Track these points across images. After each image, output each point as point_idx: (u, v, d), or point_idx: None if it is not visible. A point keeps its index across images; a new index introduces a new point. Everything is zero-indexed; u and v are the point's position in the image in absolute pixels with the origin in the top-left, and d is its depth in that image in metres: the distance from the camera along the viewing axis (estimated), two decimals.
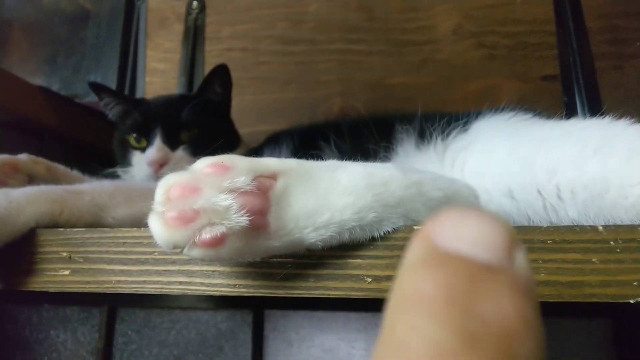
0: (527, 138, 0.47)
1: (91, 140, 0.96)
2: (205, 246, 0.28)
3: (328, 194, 0.33)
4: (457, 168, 0.51)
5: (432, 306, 0.14)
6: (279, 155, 0.71)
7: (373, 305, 0.92)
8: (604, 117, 0.44)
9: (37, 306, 1.09)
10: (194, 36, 1.19)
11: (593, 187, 0.38)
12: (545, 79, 1.00)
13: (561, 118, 0.52)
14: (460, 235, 0.16)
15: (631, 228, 0.32)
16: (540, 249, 0.32)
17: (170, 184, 0.29)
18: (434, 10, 1.09)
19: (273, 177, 0.32)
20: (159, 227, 0.29)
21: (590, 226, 0.32)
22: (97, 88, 0.84)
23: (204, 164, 0.30)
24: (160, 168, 0.76)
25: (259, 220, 0.30)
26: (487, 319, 0.14)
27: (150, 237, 0.38)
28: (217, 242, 0.29)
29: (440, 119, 0.55)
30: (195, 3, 1.21)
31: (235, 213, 0.29)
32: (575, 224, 0.33)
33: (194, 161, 0.79)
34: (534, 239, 0.33)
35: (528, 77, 1.01)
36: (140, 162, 0.78)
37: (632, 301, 0.31)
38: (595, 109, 0.93)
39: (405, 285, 0.15)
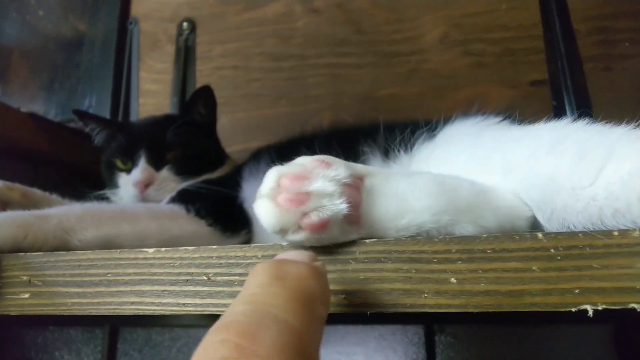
0: (487, 141, 0.47)
1: (84, 163, 0.97)
2: (312, 229, 0.32)
3: (407, 196, 0.36)
4: None
5: (259, 269, 0.26)
6: (257, 171, 0.72)
7: (371, 318, 0.92)
8: (586, 120, 0.43)
9: (42, 328, 1.11)
10: (185, 56, 1.21)
11: (545, 189, 0.37)
12: (533, 84, 1.00)
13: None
14: (285, 255, 0.30)
15: (571, 235, 0.31)
16: (480, 258, 0.32)
17: (281, 173, 0.33)
18: (420, 20, 1.09)
19: (361, 178, 0.36)
20: (269, 209, 0.32)
21: (529, 234, 0.32)
22: (81, 115, 0.86)
23: (309, 159, 0.35)
24: (145, 189, 0.77)
25: (354, 211, 0.34)
26: (290, 272, 0.26)
27: (104, 259, 0.39)
28: (322, 225, 0.32)
29: (402, 130, 0.55)
30: (185, 24, 1.23)
31: (338, 199, 0.33)
32: (515, 233, 0.32)
33: (179, 180, 0.80)
34: (474, 248, 0.32)
35: (517, 83, 1.01)
36: (126, 183, 0.79)
37: (573, 309, 0.30)
38: (584, 112, 0.92)
39: (253, 267, 0.27)
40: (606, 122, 0.40)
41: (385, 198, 0.36)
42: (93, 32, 1.30)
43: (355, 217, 0.34)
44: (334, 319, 0.92)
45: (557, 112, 0.94)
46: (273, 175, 0.33)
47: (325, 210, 0.32)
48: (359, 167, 0.37)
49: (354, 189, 0.35)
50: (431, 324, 0.92)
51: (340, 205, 0.32)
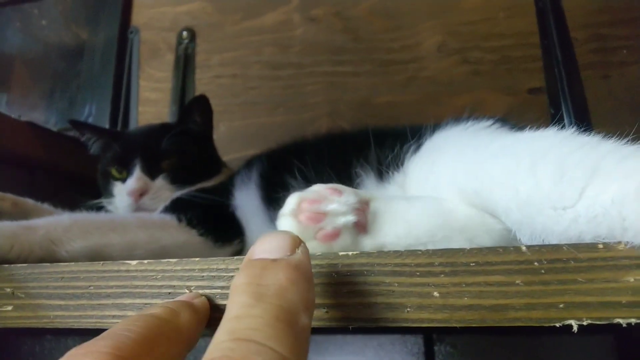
0: (470, 156, 0.45)
1: (81, 171, 0.98)
2: (325, 239, 0.38)
3: (406, 214, 0.42)
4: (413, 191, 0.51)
5: (238, 287, 0.26)
6: (249, 179, 0.72)
7: (368, 329, 0.91)
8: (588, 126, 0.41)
9: (40, 337, 1.11)
10: (185, 65, 1.22)
11: (525, 209, 0.35)
12: (531, 92, 0.99)
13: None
14: (263, 248, 0.28)
15: (555, 248, 0.30)
16: (463, 272, 0.31)
17: (302, 198, 0.39)
18: (418, 28, 1.09)
19: (366, 202, 0.42)
20: (291, 225, 0.38)
21: (513, 247, 0.31)
22: (77, 125, 0.86)
23: (323, 187, 0.40)
24: (140, 197, 0.77)
25: (360, 229, 0.40)
26: (269, 285, 0.25)
27: (87, 271, 0.39)
28: (335, 235, 0.38)
29: (392, 145, 0.54)
30: (185, 33, 1.24)
31: (349, 215, 0.39)
32: (499, 246, 0.32)
33: (175, 189, 0.80)
34: (457, 261, 0.32)
35: (514, 91, 1.00)
36: (121, 192, 0.79)
37: (558, 325, 0.30)
38: (582, 120, 0.91)
39: (233, 281, 0.27)
40: (603, 130, 0.38)
41: (386, 216, 0.42)
42: (94, 41, 1.31)
43: (361, 227, 0.40)
44: (332, 329, 0.91)
45: (555, 120, 0.94)
46: (294, 199, 0.39)
47: (336, 223, 0.38)
48: (364, 194, 0.43)
49: (361, 211, 0.40)
50: (430, 334, 0.91)
51: (349, 217, 0.39)
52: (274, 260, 0.27)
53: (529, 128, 0.49)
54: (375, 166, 0.56)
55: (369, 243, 0.40)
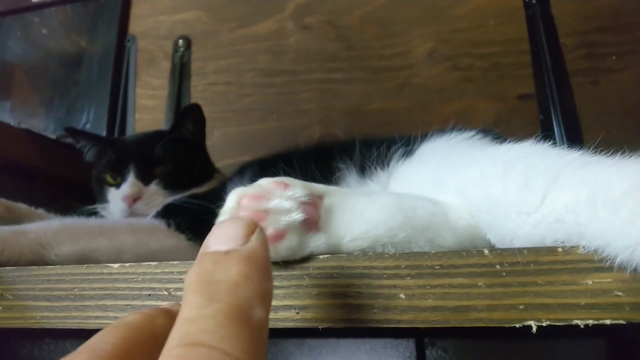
0: (451, 162, 0.47)
1: (78, 178, 0.99)
2: (269, 241, 0.32)
3: (364, 211, 0.38)
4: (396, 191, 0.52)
5: (191, 286, 0.24)
6: (242, 184, 0.73)
7: (362, 332, 0.92)
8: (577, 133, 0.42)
9: (38, 340, 1.12)
10: (180, 73, 1.24)
11: (493, 212, 0.37)
12: (520, 98, 1.00)
13: (538, 136, 0.52)
14: (215, 239, 0.26)
15: (516, 251, 0.31)
16: (428, 274, 0.33)
17: (242, 194, 0.35)
18: (409, 35, 1.10)
19: (320, 197, 0.38)
20: None
21: (476, 250, 0.32)
22: (72, 132, 0.88)
23: (268, 181, 0.37)
24: (134, 203, 0.79)
25: (311, 226, 0.36)
26: (220, 282, 0.24)
27: (72, 273, 0.40)
28: (278, 236, 0.34)
29: (379, 146, 0.56)
30: (181, 41, 1.26)
31: (295, 213, 0.35)
32: (463, 249, 0.33)
33: (168, 194, 0.82)
34: (422, 264, 0.33)
35: (504, 97, 1.02)
36: (115, 198, 0.81)
37: (517, 325, 0.31)
38: (571, 126, 0.92)
39: (187, 276, 0.25)
40: (592, 136, 0.38)
41: (343, 213, 0.38)
42: (92, 50, 1.33)
43: (312, 229, 0.36)
44: (325, 333, 0.92)
45: (545, 126, 0.95)
46: (234, 195, 0.35)
47: (281, 223, 0.34)
48: (318, 187, 0.38)
49: (312, 206, 0.36)
50: (422, 338, 0.92)
51: (296, 216, 0.34)
52: (226, 253, 0.25)
53: (518, 134, 0.51)
54: (358, 162, 0.58)
55: (322, 243, 0.36)
